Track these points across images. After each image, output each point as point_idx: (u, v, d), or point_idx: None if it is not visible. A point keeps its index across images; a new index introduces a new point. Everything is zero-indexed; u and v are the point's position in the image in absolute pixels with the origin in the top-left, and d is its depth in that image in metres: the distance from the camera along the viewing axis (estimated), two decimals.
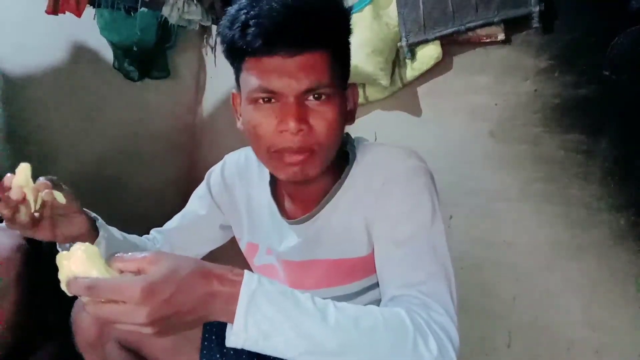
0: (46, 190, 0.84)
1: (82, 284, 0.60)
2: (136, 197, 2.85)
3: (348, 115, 0.93)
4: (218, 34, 0.91)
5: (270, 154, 0.87)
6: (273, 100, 0.83)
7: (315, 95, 0.83)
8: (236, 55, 0.86)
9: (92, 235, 0.95)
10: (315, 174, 0.88)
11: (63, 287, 0.66)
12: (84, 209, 0.95)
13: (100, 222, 0.98)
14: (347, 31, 0.90)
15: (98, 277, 0.62)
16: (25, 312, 1.40)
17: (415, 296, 0.77)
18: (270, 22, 0.79)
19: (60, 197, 0.87)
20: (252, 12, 0.80)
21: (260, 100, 0.84)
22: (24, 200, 0.84)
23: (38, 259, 1.44)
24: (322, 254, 0.97)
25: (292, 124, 0.81)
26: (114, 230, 1.03)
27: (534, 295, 1.49)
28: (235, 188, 1.13)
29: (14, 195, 0.82)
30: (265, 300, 0.64)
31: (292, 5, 0.80)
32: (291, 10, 0.79)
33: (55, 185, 0.87)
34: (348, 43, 0.91)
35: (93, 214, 0.99)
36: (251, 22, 0.79)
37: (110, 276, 0.63)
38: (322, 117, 0.84)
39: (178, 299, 0.60)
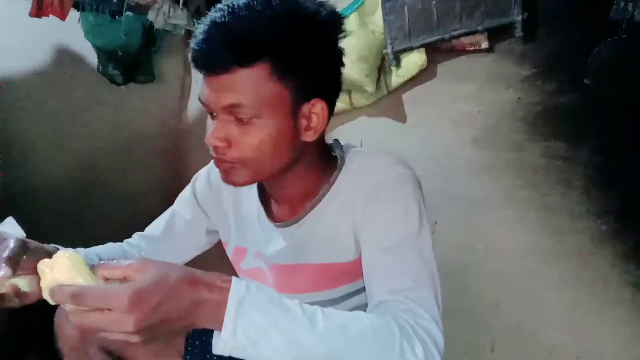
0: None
1: (67, 292, 0.59)
2: (121, 200, 2.82)
3: (307, 132, 0.87)
4: None
5: None
6: (213, 115, 0.86)
7: (240, 114, 0.82)
8: None
9: None
10: (243, 183, 0.89)
11: (45, 295, 0.64)
12: (54, 246, 0.88)
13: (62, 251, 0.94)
14: (295, 42, 0.81)
15: (83, 285, 0.61)
16: (9, 319, 1.38)
17: (402, 302, 0.78)
18: (195, 43, 0.81)
19: (23, 285, 0.77)
20: (196, 32, 0.82)
21: (207, 111, 0.87)
22: None
23: None
24: (309, 259, 0.97)
25: (210, 139, 0.84)
26: (89, 257, 0.99)
27: (517, 300, 1.51)
28: (222, 191, 1.12)
29: None
30: (254, 307, 0.63)
31: (217, 24, 0.79)
32: (214, 29, 0.79)
33: (17, 255, 0.76)
34: (301, 54, 0.83)
35: (51, 250, 0.89)
36: (193, 42, 0.82)
37: (96, 284, 0.62)
38: (245, 136, 0.83)
39: (166, 306, 0.59)
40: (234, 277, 0.66)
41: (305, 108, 0.85)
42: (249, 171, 0.87)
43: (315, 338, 0.65)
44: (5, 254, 0.73)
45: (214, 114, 0.85)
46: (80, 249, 0.97)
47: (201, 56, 0.81)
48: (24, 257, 0.77)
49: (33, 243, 0.79)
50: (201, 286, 0.62)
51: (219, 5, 0.82)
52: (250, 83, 0.80)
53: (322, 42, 0.86)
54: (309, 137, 0.88)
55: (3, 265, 0.73)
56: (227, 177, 0.89)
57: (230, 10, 0.79)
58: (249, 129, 0.82)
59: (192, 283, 0.62)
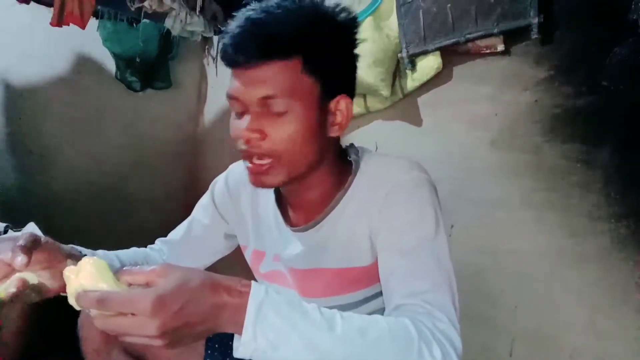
0: (11, 290, 0.74)
1: (93, 297, 0.60)
2: (138, 206, 2.85)
3: (333, 128, 0.91)
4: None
5: (241, 158, 0.92)
6: (242, 109, 0.88)
7: (274, 107, 0.85)
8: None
9: None
10: (277, 183, 0.91)
11: (71, 301, 0.66)
12: (71, 247, 0.87)
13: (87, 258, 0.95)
14: (325, 41, 0.87)
15: (108, 290, 0.62)
16: (31, 322, 1.40)
17: (419, 305, 0.78)
18: (229, 38, 0.85)
19: (32, 278, 0.77)
20: (230, 27, 0.86)
21: (233, 108, 0.90)
22: None
23: None
24: (326, 263, 0.98)
25: (244, 131, 0.86)
26: (110, 256, 1.01)
27: (536, 303, 1.49)
28: (240, 196, 1.14)
29: None
30: (273, 311, 0.64)
31: (252, 18, 0.84)
32: (248, 24, 0.84)
33: (27, 249, 0.74)
34: (329, 52, 0.88)
35: (81, 251, 0.91)
36: (226, 36, 0.86)
37: (120, 289, 0.64)
38: (278, 128, 0.86)
39: (188, 310, 0.61)
40: (253, 281, 0.67)
41: (331, 104, 0.90)
42: (283, 169, 0.88)
43: (334, 341, 0.66)
44: (19, 242, 0.74)
45: (241, 111, 0.88)
46: (100, 251, 0.99)
47: (236, 50, 0.84)
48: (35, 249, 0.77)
49: (45, 238, 0.79)
50: (222, 290, 0.63)
51: (251, 5, 0.86)
52: (284, 76, 0.84)
53: (345, 41, 0.92)
54: (334, 132, 0.92)
55: (18, 252, 0.73)
56: (258, 178, 0.90)
57: (264, 8, 0.84)
58: (282, 121, 0.85)
59: (213, 287, 0.63)
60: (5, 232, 1.70)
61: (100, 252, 0.99)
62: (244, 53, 0.84)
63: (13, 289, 0.69)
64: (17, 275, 0.76)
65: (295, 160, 0.88)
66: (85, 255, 0.92)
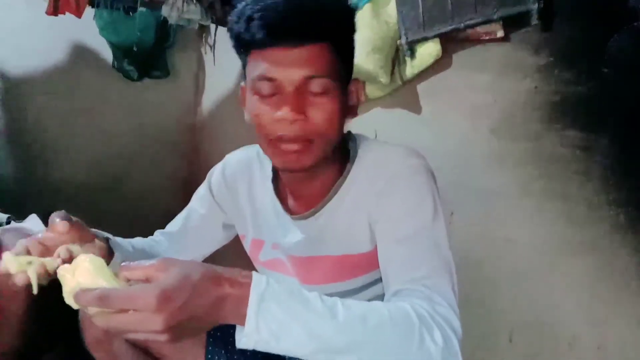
0: (57, 263, 0.74)
1: (93, 295, 0.59)
2: (136, 196, 2.85)
3: (350, 110, 0.95)
4: (228, 30, 0.94)
5: (269, 142, 0.90)
6: (275, 91, 0.87)
7: (315, 87, 0.86)
8: (243, 47, 0.90)
9: (108, 258, 0.92)
10: (310, 164, 0.90)
11: (68, 300, 0.65)
12: (94, 230, 0.91)
13: (112, 241, 0.96)
14: (350, 27, 0.92)
15: (109, 287, 0.61)
16: (32, 313, 1.40)
17: (419, 290, 0.79)
18: (272, 15, 0.83)
19: (77, 250, 0.79)
20: (256, 7, 0.84)
21: (263, 91, 0.87)
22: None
23: None
24: (326, 250, 0.99)
25: (288, 113, 0.84)
26: (124, 244, 1.02)
27: (535, 291, 1.50)
28: (237, 186, 1.14)
29: (18, 282, 0.72)
30: (275, 301, 0.64)
31: (292, 1, 0.84)
32: (292, 4, 0.84)
33: (64, 218, 0.81)
34: (351, 39, 0.94)
35: (104, 234, 0.96)
36: (255, 16, 0.84)
37: (119, 286, 0.63)
38: (320, 108, 0.86)
39: (192, 304, 0.60)
40: (254, 272, 0.67)
41: (350, 87, 0.95)
42: (318, 150, 0.89)
43: (336, 329, 0.66)
44: (55, 217, 0.78)
45: (272, 92, 0.87)
46: (118, 238, 1.01)
47: (278, 29, 0.83)
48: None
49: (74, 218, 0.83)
50: (223, 282, 0.63)
51: None
52: (324, 56, 0.86)
53: (355, 27, 0.94)
54: (352, 114, 0.96)
55: (56, 221, 0.77)
56: (299, 158, 0.89)
57: None
58: (322, 102, 0.87)
59: (214, 280, 0.63)
60: (8, 223, 1.70)
61: (118, 238, 1.01)
62: (287, 33, 0.84)
63: (59, 261, 0.68)
64: (63, 247, 0.77)
65: (329, 141, 0.90)
66: (108, 238, 0.95)
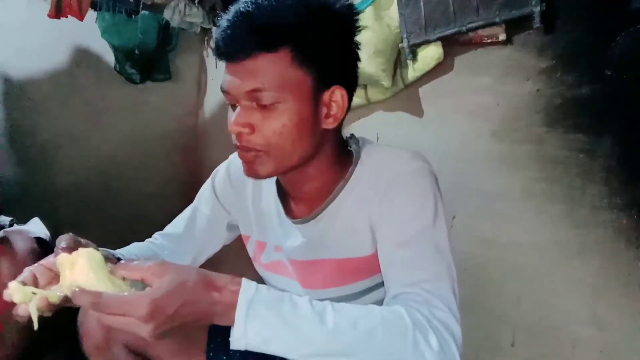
0: (63, 293, 0.69)
1: (87, 299, 0.62)
2: (139, 199, 2.85)
3: (328, 119, 0.90)
4: None
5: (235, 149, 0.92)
6: (233, 102, 0.88)
7: (264, 100, 0.84)
8: None
9: None
10: (265, 174, 0.90)
11: (65, 290, 0.66)
12: (105, 250, 0.89)
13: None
14: (315, 32, 0.85)
15: (103, 292, 0.63)
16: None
17: (417, 293, 0.79)
18: (220, 31, 0.85)
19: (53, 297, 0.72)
20: (220, 21, 0.86)
21: (228, 102, 0.89)
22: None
23: None
24: (327, 254, 0.98)
25: (232, 126, 0.86)
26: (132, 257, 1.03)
27: (538, 294, 1.49)
28: (242, 186, 1.13)
29: (21, 313, 0.69)
30: (263, 306, 0.66)
31: (239, 12, 0.83)
32: (237, 16, 0.83)
33: (71, 242, 0.77)
34: (320, 44, 0.85)
35: (116, 254, 0.96)
36: (218, 31, 0.86)
37: (114, 285, 0.65)
38: (268, 121, 0.85)
39: (182, 312, 0.63)
40: (244, 278, 0.69)
41: (325, 95, 0.88)
42: (272, 160, 0.88)
43: (325, 334, 0.67)
44: (61, 244, 0.75)
45: (236, 103, 0.87)
46: (131, 252, 1.02)
47: (225, 43, 0.84)
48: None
49: (85, 241, 0.80)
50: (214, 289, 0.66)
51: None
52: (273, 68, 0.82)
53: (340, 31, 0.89)
54: (329, 124, 0.90)
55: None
56: (251, 168, 0.90)
57: (254, 0, 0.83)
58: (271, 115, 0.84)
59: (206, 286, 0.66)
60: (11, 225, 1.70)
61: (126, 252, 1.03)
62: (232, 46, 0.83)
63: (66, 292, 0.67)
64: (68, 235, 0.77)
65: (285, 153, 0.88)
66: (121, 259, 0.92)
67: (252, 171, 0.90)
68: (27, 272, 0.74)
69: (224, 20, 0.85)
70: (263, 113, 0.84)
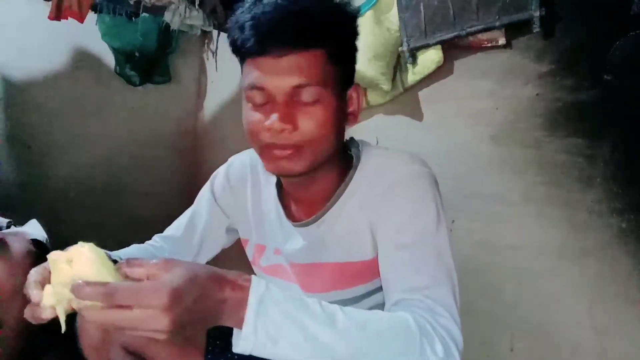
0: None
1: (98, 290, 0.57)
2: (138, 201, 2.85)
3: (349, 117, 0.94)
4: (228, 36, 0.93)
5: (261, 148, 0.90)
6: (266, 100, 0.86)
7: (305, 96, 0.84)
8: (239, 55, 0.90)
9: None
10: (302, 170, 0.89)
11: (58, 290, 0.62)
12: (107, 252, 0.87)
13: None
14: (347, 32, 0.90)
15: (115, 282, 0.59)
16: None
17: (420, 300, 0.78)
18: (261, 23, 0.82)
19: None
20: (249, 14, 0.83)
21: (255, 100, 0.87)
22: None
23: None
24: (328, 257, 0.98)
25: (277, 123, 0.83)
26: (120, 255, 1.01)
27: (537, 298, 1.49)
28: (241, 189, 1.13)
29: (45, 316, 0.67)
30: (274, 305, 0.64)
31: (283, 6, 0.82)
32: (282, 11, 0.82)
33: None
34: (350, 44, 0.92)
35: (111, 256, 0.92)
36: (247, 24, 0.83)
37: (120, 280, 0.60)
38: (311, 117, 0.85)
39: (199, 305, 0.60)
40: (253, 276, 0.67)
41: (348, 93, 0.93)
42: (310, 156, 0.87)
43: (335, 336, 0.66)
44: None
45: (264, 102, 0.86)
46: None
47: (266, 38, 0.82)
48: None
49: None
50: (225, 285, 0.63)
51: None
52: (314, 65, 0.84)
53: (357, 33, 0.93)
54: (350, 121, 0.95)
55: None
56: (285, 165, 0.88)
57: None
58: (312, 111, 0.85)
59: (218, 282, 0.63)
60: (8, 227, 1.70)
61: (123, 252, 1.01)
62: (276, 41, 0.82)
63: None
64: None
65: (322, 148, 0.88)
66: (117, 261, 0.92)
67: (285, 168, 0.89)
68: (45, 272, 0.71)
69: (255, 13, 0.82)
70: (305, 109, 0.85)
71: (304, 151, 0.86)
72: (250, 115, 0.88)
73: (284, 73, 0.83)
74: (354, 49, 0.93)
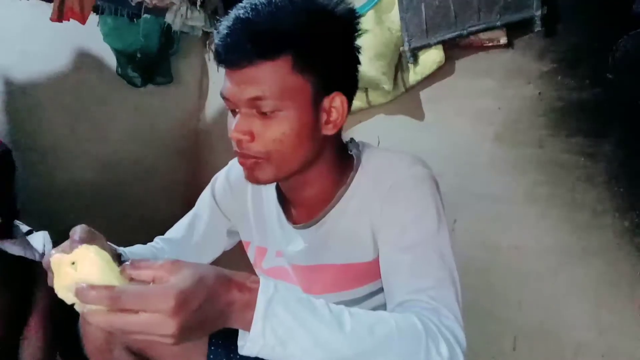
0: None
1: (104, 294, 0.55)
2: (140, 202, 2.85)
3: (327, 125, 0.89)
4: None
5: (235, 155, 0.91)
6: (233, 109, 0.87)
7: (265, 107, 0.83)
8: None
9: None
10: (266, 180, 0.90)
11: (62, 294, 0.61)
12: (109, 244, 0.89)
13: (125, 257, 0.95)
14: (316, 39, 0.84)
15: (121, 285, 0.58)
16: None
17: (425, 301, 0.78)
18: (219, 38, 0.84)
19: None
20: (219, 28, 0.85)
21: (227, 107, 0.89)
22: None
23: None
24: (329, 259, 0.98)
25: (233, 133, 0.85)
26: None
27: (539, 298, 1.49)
28: (242, 192, 1.13)
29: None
30: (282, 306, 0.63)
31: (240, 19, 0.82)
32: (237, 23, 0.82)
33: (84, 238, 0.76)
34: (321, 51, 0.85)
35: (116, 249, 0.94)
36: (217, 36, 0.85)
37: (126, 284, 0.59)
38: (267, 128, 0.84)
39: (205, 308, 0.59)
40: (261, 277, 0.66)
41: (325, 102, 0.87)
42: (273, 167, 0.87)
43: (343, 339, 0.65)
44: (75, 236, 0.74)
45: (236, 109, 0.86)
46: (135, 251, 1.00)
47: (225, 50, 0.83)
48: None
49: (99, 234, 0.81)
50: (233, 286, 0.62)
51: (241, 3, 0.84)
52: (273, 75, 0.82)
53: (340, 37, 0.88)
54: (329, 130, 0.89)
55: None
56: (251, 174, 0.90)
57: (253, 6, 0.82)
58: (271, 122, 0.84)
59: (225, 284, 0.62)
60: (28, 234, 1.70)
61: (127, 249, 1.00)
62: (232, 54, 0.82)
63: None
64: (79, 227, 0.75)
65: (285, 160, 0.87)
66: (121, 254, 0.93)
67: (252, 177, 0.90)
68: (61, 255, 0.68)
69: (223, 26, 0.84)
70: (263, 120, 0.84)
71: (265, 162, 0.87)
72: (228, 122, 0.89)
73: (241, 84, 0.83)
74: (332, 54, 0.86)
